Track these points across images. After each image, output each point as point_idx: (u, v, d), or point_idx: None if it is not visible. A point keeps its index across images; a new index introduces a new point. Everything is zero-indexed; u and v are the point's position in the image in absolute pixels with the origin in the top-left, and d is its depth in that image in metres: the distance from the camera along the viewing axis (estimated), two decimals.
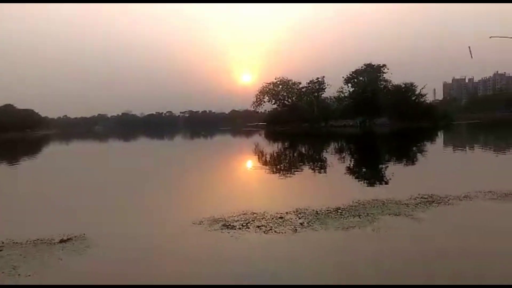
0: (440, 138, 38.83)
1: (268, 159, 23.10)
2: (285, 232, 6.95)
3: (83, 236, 7.05)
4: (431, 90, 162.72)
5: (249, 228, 7.30)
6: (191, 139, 60.95)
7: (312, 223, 7.41)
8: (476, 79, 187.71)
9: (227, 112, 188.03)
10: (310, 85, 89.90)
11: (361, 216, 7.79)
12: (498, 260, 5.56)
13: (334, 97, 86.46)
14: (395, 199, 9.14)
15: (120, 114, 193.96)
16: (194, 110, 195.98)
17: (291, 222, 7.57)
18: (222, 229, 7.31)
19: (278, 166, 19.44)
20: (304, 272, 5.31)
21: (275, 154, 26.33)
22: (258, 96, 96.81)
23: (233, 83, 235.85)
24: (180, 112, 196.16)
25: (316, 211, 8.25)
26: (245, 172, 18.25)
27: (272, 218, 7.86)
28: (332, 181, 13.99)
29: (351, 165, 18.96)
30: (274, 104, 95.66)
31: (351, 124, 72.14)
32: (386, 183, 12.90)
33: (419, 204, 8.67)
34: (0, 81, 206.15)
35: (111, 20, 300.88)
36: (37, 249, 6.45)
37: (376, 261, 5.61)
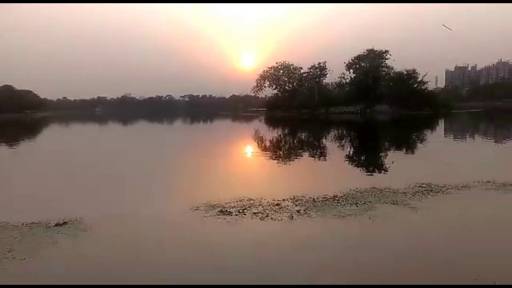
0: (440, 127, 38.72)
1: (267, 145, 23.04)
2: (281, 219, 6.95)
3: (79, 220, 7.05)
4: (433, 78, 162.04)
5: (245, 214, 7.29)
6: (191, 123, 60.82)
7: (308, 211, 7.41)
8: (479, 67, 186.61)
9: (227, 97, 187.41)
10: (311, 70, 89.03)
11: (358, 204, 7.78)
12: (495, 250, 5.55)
13: (336, 83, 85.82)
14: (393, 188, 9.13)
15: (119, 97, 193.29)
16: (194, 94, 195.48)
17: (287, 209, 7.56)
18: (218, 215, 7.30)
19: (277, 153, 19.40)
20: (297, 260, 5.31)
21: (274, 140, 26.27)
22: (259, 81, 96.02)
23: (234, 67, 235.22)
24: (180, 96, 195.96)
25: (313, 199, 8.25)
26: (243, 158, 18.22)
27: (269, 205, 7.86)
28: (330, 169, 13.97)
29: (350, 153, 18.92)
30: (274, 89, 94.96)
31: (352, 111, 71.77)
32: (385, 171, 12.88)
33: (417, 193, 8.65)
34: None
35: (113, 4, 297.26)
36: (33, 232, 6.46)
37: (371, 250, 5.60)
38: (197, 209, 7.70)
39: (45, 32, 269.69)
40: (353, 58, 79.03)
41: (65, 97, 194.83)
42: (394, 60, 76.44)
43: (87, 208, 8.04)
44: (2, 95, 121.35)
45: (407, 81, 71.43)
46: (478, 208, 7.77)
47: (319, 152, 19.06)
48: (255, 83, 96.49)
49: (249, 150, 21.06)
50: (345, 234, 6.26)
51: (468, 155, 16.94)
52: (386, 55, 76.78)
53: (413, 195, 8.53)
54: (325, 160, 16.21)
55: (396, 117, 56.34)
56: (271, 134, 32.69)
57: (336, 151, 18.95)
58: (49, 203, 8.72)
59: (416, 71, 72.56)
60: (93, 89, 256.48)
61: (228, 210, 7.55)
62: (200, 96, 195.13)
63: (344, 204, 7.85)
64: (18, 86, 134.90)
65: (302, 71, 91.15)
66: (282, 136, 31.62)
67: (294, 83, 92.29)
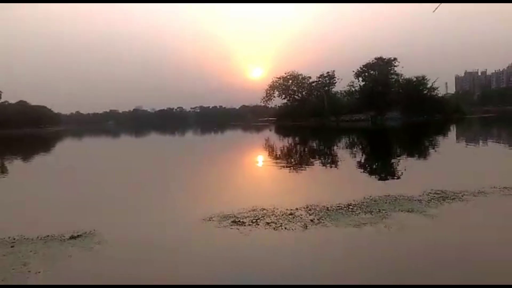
0: (452, 132, 38.28)
1: (278, 154, 22.99)
2: (295, 229, 6.87)
3: (93, 232, 7.06)
4: (443, 84, 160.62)
5: (258, 224, 7.23)
6: (202, 134, 61.05)
7: (322, 220, 7.32)
8: (489, 72, 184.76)
9: (237, 108, 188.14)
10: (320, 79, 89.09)
11: (372, 213, 7.67)
12: None
13: (345, 91, 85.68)
14: (408, 195, 8.99)
15: (131, 110, 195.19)
16: (205, 106, 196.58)
17: (301, 218, 7.49)
18: (231, 225, 7.25)
19: (289, 161, 19.33)
20: (313, 270, 5.24)
21: (285, 149, 26.21)
22: (268, 91, 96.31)
23: (244, 78, 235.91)
24: (191, 108, 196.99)
25: (327, 207, 8.16)
26: (255, 168, 18.18)
27: (282, 215, 7.79)
28: (343, 177, 13.85)
29: (363, 160, 18.76)
30: (284, 99, 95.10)
31: (362, 118, 71.49)
32: (398, 178, 12.73)
33: (432, 200, 8.50)
34: (14, 78, 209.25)
35: (123, 18, 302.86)
36: (48, 245, 6.47)
37: (387, 259, 5.51)
38: (210, 220, 7.66)
39: (57, 48, 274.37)
40: (361, 67, 78.98)
41: (78, 111, 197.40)
42: (403, 67, 76.23)
43: (101, 220, 8.06)
44: (17, 111, 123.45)
45: (416, 88, 71.14)
46: (496, 215, 7.60)
47: (331, 160, 18.94)
48: (265, 93, 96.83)
49: (261, 159, 21.03)
50: (360, 243, 6.16)
51: (483, 160, 16.65)
52: (395, 62, 76.59)
53: (428, 202, 8.39)
54: (338, 168, 16.08)
55: (407, 123, 55.84)
56: (282, 143, 32.65)
57: (348, 158, 18.80)
58: (63, 216, 8.77)
59: (426, 77, 72.23)
60: (105, 103, 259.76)
61: (241, 221, 7.50)
62: (211, 107, 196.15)
63: (359, 212, 7.75)
64: (32, 102, 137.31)
65: (311, 80, 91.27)
66: (293, 145, 31.55)
67: (303, 92, 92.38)
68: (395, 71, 76.54)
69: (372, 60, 78.05)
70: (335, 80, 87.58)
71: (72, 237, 6.81)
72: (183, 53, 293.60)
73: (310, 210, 8.05)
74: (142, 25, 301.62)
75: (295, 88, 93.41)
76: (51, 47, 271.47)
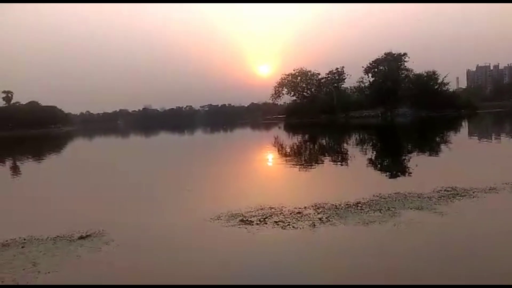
0: (464, 128, 37.84)
1: (287, 152, 22.94)
2: (303, 228, 6.83)
3: (102, 232, 7.10)
4: (454, 78, 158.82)
5: (266, 223, 7.21)
6: (211, 133, 61.20)
7: (331, 218, 7.27)
8: (501, 66, 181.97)
9: (246, 105, 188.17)
10: (329, 75, 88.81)
11: (381, 211, 7.60)
12: None
13: (354, 88, 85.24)
14: (417, 192, 8.89)
15: (141, 109, 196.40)
16: (214, 104, 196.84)
17: (309, 217, 7.44)
18: (239, 224, 7.24)
19: (298, 159, 19.27)
20: (320, 269, 5.20)
21: (294, 147, 26.15)
22: (277, 88, 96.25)
23: (252, 76, 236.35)
24: (200, 106, 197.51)
25: (336, 206, 8.10)
26: (264, 166, 18.15)
27: (290, 213, 7.75)
28: (352, 174, 13.75)
29: (372, 157, 18.63)
30: (293, 96, 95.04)
31: (372, 114, 71.04)
32: (408, 175, 12.61)
33: (442, 198, 8.39)
34: (25, 79, 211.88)
35: (132, 17, 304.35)
36: (57, 245, 6.53)
37: (395, 258, 5.44)
38: (218, 219, 7.66)
39: (66, 48, 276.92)
40: (371, 62, 78.58)
41: (88, 111, 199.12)
42: (413, 62, 75.60)
43: (110, 220, 8.09)
44: (28, 111, 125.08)
45: (427, 83, 70.50)
46: (508, 212, 7.48)
47: (341, 157, 18.83)
48: (273, 91, 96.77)
49: (270, 157, 21.00)
50: (369, 242, 6.10)
51: (495, 156, 16.40)
52: (405, 57, 76.00)
53: (438, 199, 8.28)
54: (347, 165, 15.98)
55: (417, 119, 55.32)
56: (291, 141, 32.57)
57: (358, 155, 18.66)
58: (73, 216, 8.83)
59: (437, 72, 71.49)
60: (114, 102, 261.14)
61: (249, 219, 7.48)
62: (220, 105, 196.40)
63: (368, 210, 7.68)
64: (43, 102, 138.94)
65: (319, 76, 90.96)
66: (302, 142, 31.45)
67: (312, 89, 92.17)
68: (405, 66, 76.07)
69: (382, 56, 77.60)
70: (344, 76, 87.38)
71: (81, 237, 6.85)
72: (191, 52, 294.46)
73: (318, 208, 8.00)
74: (151, 24, 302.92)
75: (304, 85, 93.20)
76: (61, 47, 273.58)
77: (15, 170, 20.91)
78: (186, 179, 14.18)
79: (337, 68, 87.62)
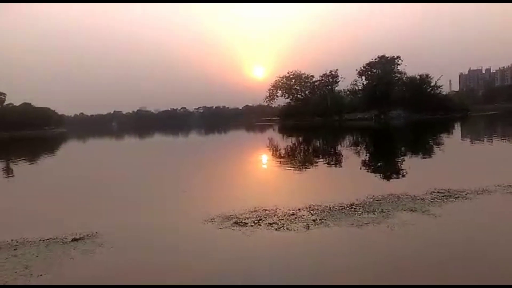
0: (457, 130, 38.08)
1: (281, 153, 22.95)
2: (297, 229, 6.84)
3: (95, 234, 7.07)
4: (447, 82, 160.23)
5: (260, 225, 7.21)
6: (205, 135, 61.09)
7: (325, 220, 7.29)
8: (493, 70, 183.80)
9: (240, 108, 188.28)
10: (323, 78, 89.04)
11: (375, 212, 7.63)
12: None
13: (348, 90, 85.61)
14: (411, 194, 8.95)
15: (135, 110, 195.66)
16: (208, 106, 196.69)
17: (303, 218, 7.46)
18: (233, 226, 7.24)
19: (292, 161, 19.27)
20: (314, 271, 5.20)
21: (288, 149, 26.16)
22: (271, 91, 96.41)
23: (247, 78, 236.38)
24: (195, 108, 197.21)
25: (329, 207, 8.12)
26: (258, 167, 18.14)
27: (284, 215, 7.76)
28: (346, 176, 13.79)
29: (366, 159, 18.68)
30: (287, 98, 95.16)
31: (366, 117, 71.36)
32: (402, 177, 12.66)
33: (436, 199, 8.46)
34: (18, 80, 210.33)
35: (127, 19, 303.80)
36: (50, 248, 6.49)
37: (389, 260, 5.47)
38: (212, 221, 7.65)
39: (60, 49, 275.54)
40: (364, 65, 79.02)
41: (81, 113, 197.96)
42: (406, 65, 76.17)
43: (103, 222, 8.06)
44: (22, 113, 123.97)
45: (420, 86, 71.02)
46: (500, 213, 7.54)
47: (335, 159, 18.87)
48: (268, 93, 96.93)
49: (264, 159, 20.99)
50: (362, 243, 6.12)
51: (487, 158, 16.53)
52: (398, 61, 76.56)
53: (431, 201, 8.34)
54: (341, 167, 16.02)
55: (411, 122, 55.63)
56: (285, 143, 32.58)
57: (352, 157, 18.72)
58: (66, 218, 8.75)
59: (429, 75, 72.07)
60: (108, 104, 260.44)
61: (243, 221, 7.48)
62: (214, 107, 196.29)
63: (361, 212, 7.71)
64: (36, 104, 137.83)
65: (314, 79, 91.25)
66: (296, 144, 31.47)
67: (307, 92, 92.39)
68: (398, 69, 76.59)
69: (375, 59, 78.07)
70: (338, 79, 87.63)
71: (74, 240, 6.82)
72: (186, 53, 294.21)
73: (312, 210, 8.02)
74: (145, 26, 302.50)
75: (298, 88, 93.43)
76: (54, 48, 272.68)
77: (7, 171, 20.71)
78: (181, 181, 14.14)
79: (331, 71, 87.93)
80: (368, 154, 21.16)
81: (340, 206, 8.21)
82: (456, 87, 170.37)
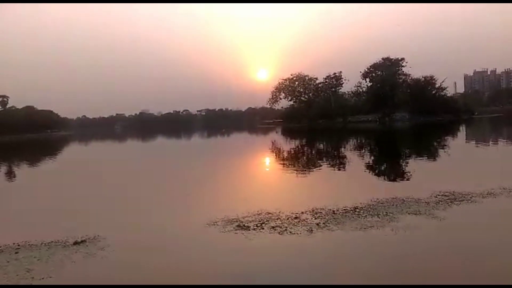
0: (462, 133, 37.93)
1: (284, 156, 22.89)
2: (300, 233, 6.78)
3: (97, 238, 7.03)
4: (452, 83, 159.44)
5: (263, 228, 7.15)
6: (208, 137, 61.13)
7: (328, 224, 7.22)
8: (498, 71, 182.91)
9: (243, 110, 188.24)
10: (327, 80, 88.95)
11: (379, 216, 7.56)
12: None
13: (352, 92, 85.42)
14: (415, 197, 8.86)
15: (137, 113, 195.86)
16: (211, 108, 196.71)
17: (306, 222, 7.39)
18: (236, 230, 7.18)
19: (295, 164, 19.22)
20: (317, 275, 5.15)
21: (291, 152, 26.10)
22: (274, 93, 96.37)
23: (250, 80, 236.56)
24: (197, 111, 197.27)
25: (333, 211, 8.05)
26: (261, 171, 18.11)
27: (287, 218, 7.70)
28: (350, 179, 13.72)
29: (370, 162, 18.61)
30: (290, 100, 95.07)
31: (370, 119, 71.16)
32: (406, 180, 12.58)
33: (440, 202, 8.37)
34: (21, 83, 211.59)
35: (129, 21, 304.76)
36: (52, 251, 6.45)
37: (392, 264, 5.40)
38: (214, 224, 7.59)
39: (63, 52, 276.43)
40: (368, 67, 78.78)
41: (84, 116, 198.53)
42: (410, 67, 75.82)
43: (105, 225, 8.03)
44: (24, 116, 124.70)
45: (425, 88, 70.73)
46: (505, 216, 7.45)
47: (338, 162, 18.78)
48: (271, 95, 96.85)
49: (267, 162, 20.95)
50: (366, 247, 6.06)
51: (492, 161, 16.41)
52: (402, 62, 76.25)
53: (436, 204, 8.25)
54: (344, 170, 15.93)
55: (415, 124, 55.43)
56: (288, 146, 32.53)
57: (355, 160, 18.64)
58: (68, 221, 8.73)
59: (434, 77, 71.78)
60: (111, 107, 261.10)
61: (246, 225, 7.42)
62: (217, 109, 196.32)
63: (365, 215, 7.64)
64: (39, 107, 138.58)
65: (317, 81, 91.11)
66: (299, 147, 31.42)
67: (310, 94, 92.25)
68: (403, 71, 76.28)
69: (379, 61, 77.85)
70: (342, 81, 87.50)
71: (75, 243, 6.78)
72: (188, 56, 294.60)
73: (316, 213, 7.95)
74: (147, 28, 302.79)
75: (301, 90, 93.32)
76: (58, 51, 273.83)
77: (9, 175, 20.78)
78: (184, 183, 14.12)
79: (334, 73, 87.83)
80: (372, 157, 21.07)
81: (344, 209, 8.13)
82: (461, 89, 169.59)
